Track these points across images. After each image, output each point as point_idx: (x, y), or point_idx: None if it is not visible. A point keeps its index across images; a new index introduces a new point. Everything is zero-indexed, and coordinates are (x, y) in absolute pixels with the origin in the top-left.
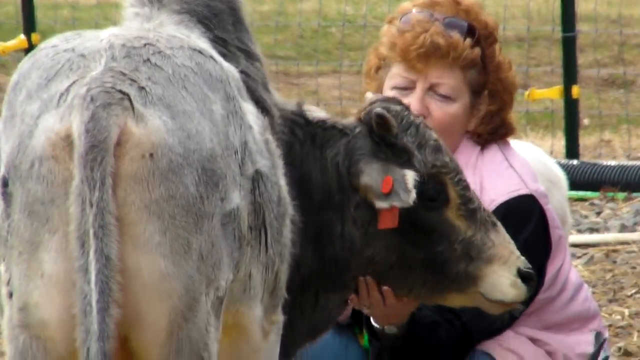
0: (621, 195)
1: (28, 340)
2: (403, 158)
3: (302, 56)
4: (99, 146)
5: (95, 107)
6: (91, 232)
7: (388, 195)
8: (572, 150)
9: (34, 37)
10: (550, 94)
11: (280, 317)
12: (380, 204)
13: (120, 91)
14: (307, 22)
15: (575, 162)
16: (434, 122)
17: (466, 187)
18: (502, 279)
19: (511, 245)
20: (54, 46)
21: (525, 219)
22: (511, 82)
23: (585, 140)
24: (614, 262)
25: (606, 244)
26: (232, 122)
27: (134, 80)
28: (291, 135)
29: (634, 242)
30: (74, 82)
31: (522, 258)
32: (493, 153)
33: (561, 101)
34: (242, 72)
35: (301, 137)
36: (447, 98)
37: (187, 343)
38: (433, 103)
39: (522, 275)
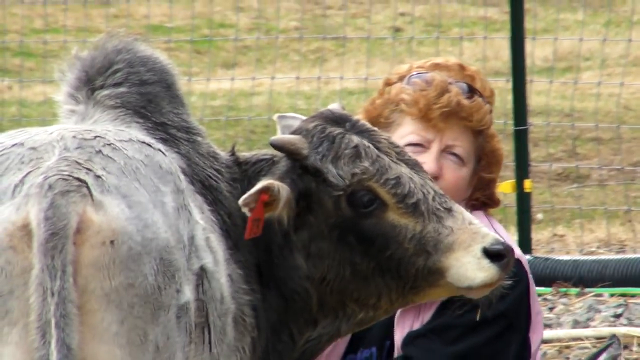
0: (574, 290)
1: None
2: (320, 177)
3: (253, 152)
4: (59, 234)
5: (53, 195)
6: (53, 322)
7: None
8: (524, 244)
9: None
10: (503, 188)
11: None
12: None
13: (78, 179)
14: (258, 117)
15: (528, 257)
16: (446, 183)
17: (398, 184)
18: (466, 265)
19: (473, 225)
20: (0, 143)
21: (513, 284)
22: (501, 154)
23: (538, 235)
24: (567, 358)
25: (559, 340)
26: (181, 216)
27: (89, 169)
28: (233, 185)
29: (587, 338)
30: (28, 173)
31: (490, 235)
32: (479, 218)
33: (514, 195)
34: (185, 156)
35: (239, 183)
36: (460, 160)
37: None
38: (446, 164)
39: (489, 254)
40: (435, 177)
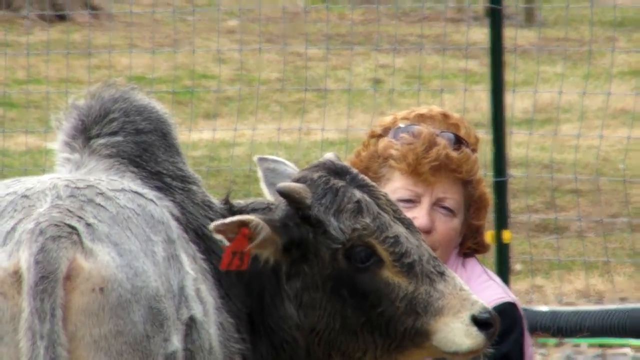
0: (552, 341)
1: None
2: (320, 229)
3: (250, 200)
4: (49, 277)
5: (44, 240)
6: None
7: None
8: None
9: None
10: None
11: None
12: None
13: (69, 225)
14: (239, 167)
15: None
16: (439, 236)
17: (396, 243)
18: (454, 331)
19: (464, 292)
20: None
21: (510, 326)
22: (488, 198)
23: (517, 286)
24: None
25: None
26: (172, 266)
27: (81, 217)
28: None
29: None
30: (20, 221)
31: (479, 303)
32: (473, 266)
33: (493, 246)
34: (179, 205)
35: None
36: (451, 212)
37: None
38: (438, 218)
39: (478, 322)
40: (428, 232)
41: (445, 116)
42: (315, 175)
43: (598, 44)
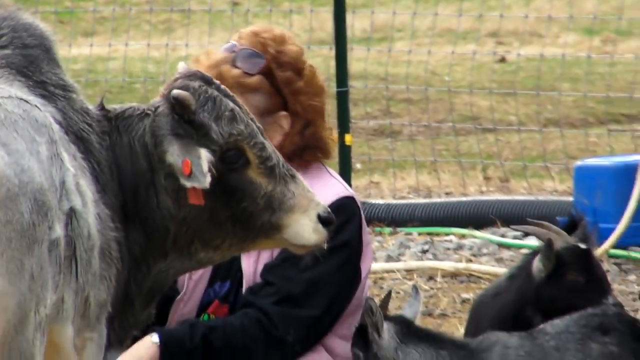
0: (387, 230)
1: None
2: (201, 132)
3: (126, 105)
4: None
5: None
6: None
7: (189, 176)
8: None
9: None
10: None
11: (94, 334)
12: (184, 183)
13: None
14: (114, 78)
15: None
16: None
17: (262, 148)
18: (303, 227)
19: (310, 194)
20: None
21: (350, 217)
22: (314, 105)
23: (357, 182)
24: (381, 287)
25: (374, 272)
26: (54, 163)
27: None
28: (102, 137)
29: (398, 270)
30: None
31: (322, 204)
32: (315, 167)
33: (336, 148)
34: (61, 110)
35: (109, 137)
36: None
37: (16, 353)
38: None
39: (322, 220)
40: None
41: (255, 34)
42: (196, 84)
43: None
